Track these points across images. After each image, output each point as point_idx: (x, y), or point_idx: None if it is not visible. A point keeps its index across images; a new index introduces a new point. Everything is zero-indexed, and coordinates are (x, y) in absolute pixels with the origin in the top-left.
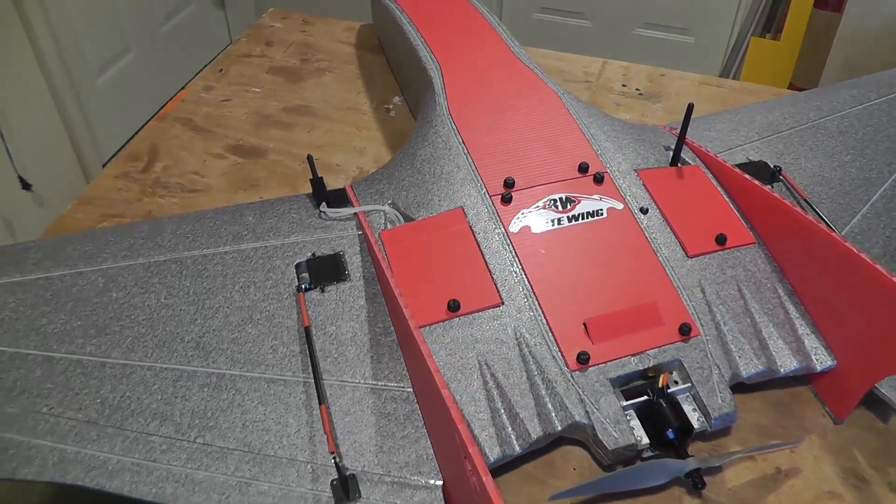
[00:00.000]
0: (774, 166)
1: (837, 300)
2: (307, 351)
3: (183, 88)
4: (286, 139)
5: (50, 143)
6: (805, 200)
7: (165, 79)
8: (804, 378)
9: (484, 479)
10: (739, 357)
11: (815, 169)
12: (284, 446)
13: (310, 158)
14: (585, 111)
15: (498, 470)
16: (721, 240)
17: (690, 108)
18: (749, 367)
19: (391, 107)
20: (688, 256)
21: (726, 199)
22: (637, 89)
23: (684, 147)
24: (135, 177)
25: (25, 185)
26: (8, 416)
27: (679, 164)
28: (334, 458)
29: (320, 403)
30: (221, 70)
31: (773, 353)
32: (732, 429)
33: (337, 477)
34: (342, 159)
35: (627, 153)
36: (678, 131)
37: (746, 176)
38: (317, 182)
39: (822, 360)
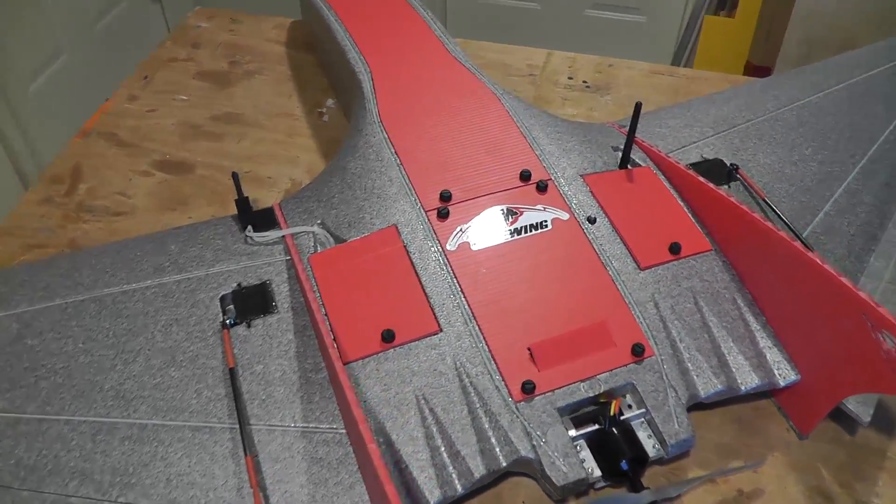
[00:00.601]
0: (731, 164)
1: (800, 311)
2: (233, 394)
3: (107, 100)
4: (215, 151)
5: None
6: (764, 200)
7: (104, 81)
8: (767, 393)
9: None
10: (697, 376)
11: (774, 164)
12: (211, 500)
13: (234, 176)
14: (527, 112)
15: None
16: (675, 249)
17: (638, 107)
18: (708, 386)
19: (324, 111)
20: (640, 269)
21: (680, 202)
22: (584, 81)
23: (634, 147)
24: (57, 201)
25: None
26: None
27: (629, 167)
28: None
29: (246, 455)
30: (146, 77)
31: (734, 371)
32: (692, 449)
33: None
34: (273, 171)
35: (573, 157)
36: (627, 130)
37: (700, 178)
38: (241, 202)
39: (784, 374)
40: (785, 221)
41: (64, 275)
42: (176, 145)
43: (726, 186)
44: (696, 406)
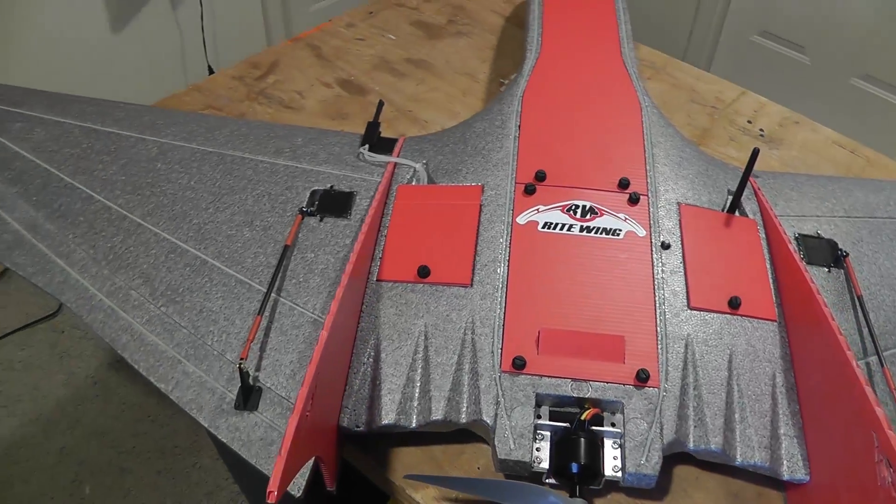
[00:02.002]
0: (841, 250)
1: (827, 414)
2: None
3: (329, 20)
4: (393, 86)
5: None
6: (858, 297)
7: None
8: (783, 484)
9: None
10: (695, 427)
11: (893, 270)
12: (221, 341)
13: (380, 103)
14: (662, 130)
15: (409, 437)
16: (734, 303)
17: (755, 153)
18: (700, 441)
19: (506, 81)
20: (688, 307)
21: (767, 265)
22: (761, 129)
23: (753, 198)
24: (248, 82)
25: (211, 72)
26: (46, 231)
27: (736, 213)
28: (240, 364)
29: (258, 314)
30: (372, 13)
31: (736, 439)
32: (667, 498)
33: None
34: (431, 117)
35: (681, 184)
36: (757, 181)
37: (791, 247)
38: (371, 125)
39: (793, 469)
40: (869, 326)
41: (209, 129)
42: (364, 71)
43: (826, 270)
44: (704, 464)
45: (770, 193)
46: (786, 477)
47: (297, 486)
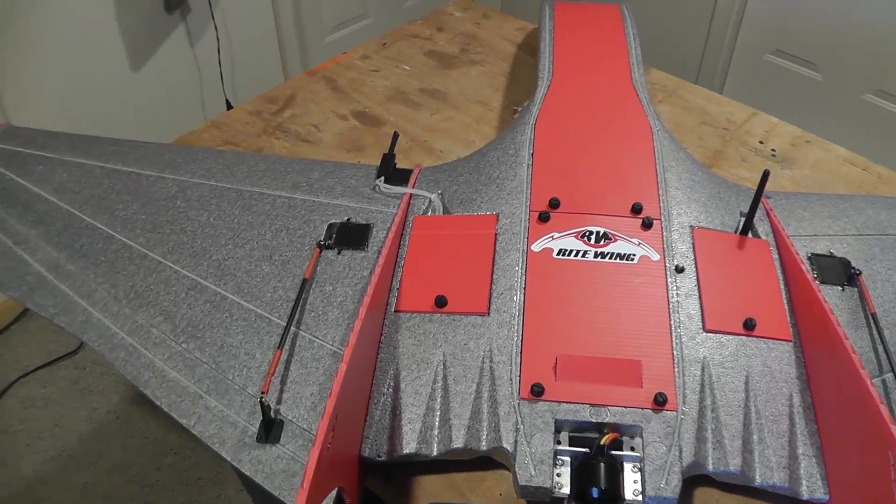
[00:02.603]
0: (854, 268)
1: (845, 433)
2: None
3: (344, 53)
4: (408, 116)
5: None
6: (872, 315)
7: None
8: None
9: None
10: (713, 449)
11: None
12: (242, 375)
13: (394, 135)
14: (674, 154)
15: (431, 465)
16: (749, 324)
17: (766, 175)
18: (719, 463)
19: (519, 109)
20: (703, 329)
21: (781, 286)
22: (773, 150)
23: (765, 219)
24: (265, 116)
25: (229, 107)
26: (67, 272)
27: (749, 235)
28: (261, 398)
29: (278, 348)
30: (385, 44)
31: (755, 460)
32: None
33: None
34: (446, 146)
35: (693, 207)
36: (769, 201)
37: (804, 268)
38: (387, 157)
39: (813, 489)
40: (884, 343)
41: (227, 165)
42: (379, 103)
43: (840, 289)
44: (724, 486)
45: (782, 214)
46: (805, 496)
47: None
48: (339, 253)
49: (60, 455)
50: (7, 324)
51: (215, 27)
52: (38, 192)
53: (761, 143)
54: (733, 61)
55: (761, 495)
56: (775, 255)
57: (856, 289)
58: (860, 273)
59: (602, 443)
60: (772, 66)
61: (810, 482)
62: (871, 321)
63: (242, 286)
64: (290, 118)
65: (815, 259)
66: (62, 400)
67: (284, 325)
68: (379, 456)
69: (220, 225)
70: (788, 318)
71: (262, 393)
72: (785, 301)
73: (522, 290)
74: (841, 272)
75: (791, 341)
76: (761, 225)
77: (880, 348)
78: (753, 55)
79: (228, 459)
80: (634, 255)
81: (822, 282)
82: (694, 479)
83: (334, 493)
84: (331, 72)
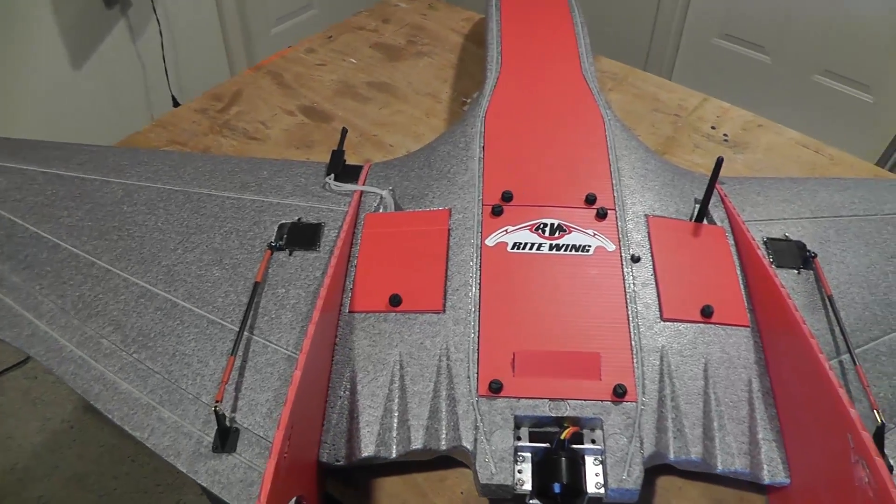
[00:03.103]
0: (809, 251)
1: (805, 417)
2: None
3: (289, 47)
4: (357, 111)
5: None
6: (829, 297)
7: None
8: (765, 488)
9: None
10: (674, 438)
11: (861, 268)
12: (196, 384)
13: (343, 131)
14: (626, 144)
15: (391, 467)
16: (707, 311)
17: (719, 162)
18: (680, 452)
19: (468, 101)
20: (661, 319)
21: (738, 272)
22: (725, 134)
23: (720, 205)
24: (211, 114)
25: (175, 104)
26: (11, 284)
27: (704, 222)
28: (216, 408)
29: (231, 355)
30: (331, 37)
31: (716, 448)
32: None
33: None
34: (397, 141)
35: (647, 196)
36: (723, 187)
37: (760, 253)
38: (336, 153)
39: (774, 473)
40: (840, 325)
41: (173, 167)
42: (327, 98)
43: (795, 272)
44: (687, 474)
45: (737, 199)
46: (767, 481)
47: None
48: (290, 254)
49: (14, 468)
50: None
51: (157, 21)
52: None
53: (713, 128)
54: (681, 46)
55: (724, 482)
56: (731, 241)
57: (811, 271)
58: (815, 256)
59: (562, 437)
60: (720, 49)
61: (771, 466)
62: (828, 303)
63: (193, 292)
64: (237, 115)
65: (770, 243)
66: (13, 411)
67: (237, 330)
68: (337, 461)
69: (169, 229)
70: (746, 304)
71: (217, 402)
72: (742, 287)
73: (478, 286)
74: (796, 255)
75: (749, 327)
76: (716, 211)
77: (837, 330)
78: (701, 39)
79: (184, 471)
80: (590, 246)
81: (777, 266)
82: (656, 469)
83: (293, 501)
84: (276, 66)
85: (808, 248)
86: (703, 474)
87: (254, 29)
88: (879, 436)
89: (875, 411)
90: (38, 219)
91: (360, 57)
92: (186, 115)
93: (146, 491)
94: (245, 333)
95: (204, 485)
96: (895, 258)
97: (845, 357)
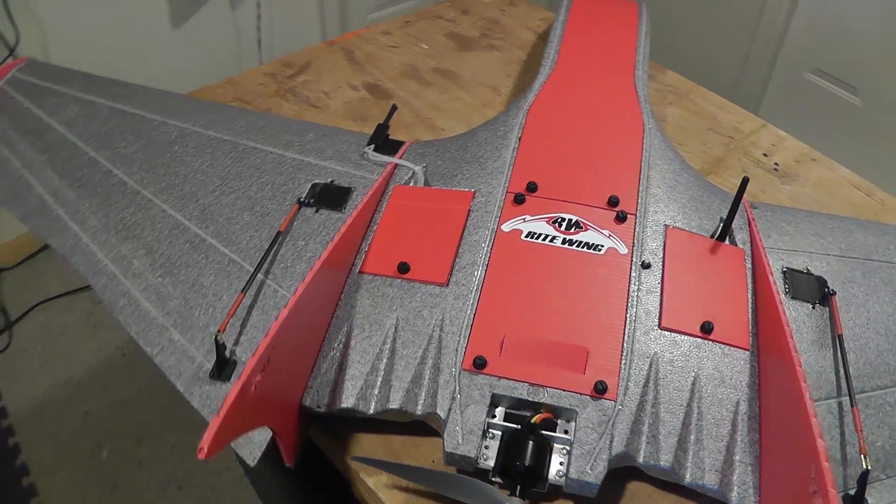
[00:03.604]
0: (829, 288)
1: (781, 444)
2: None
3: (367, 27)
4: (417, 93)
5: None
6: (839, 336)
7: None
8: None
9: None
10: (647, 443)
11: (882, 315)
12: (207, 314)
13: (392, 107)
14: (662, 153)
15: (372, 426)
16: (707, 328)
17: (744, 182)
18: (650, 457)
19: None
20: (659, 327)
21: (749, 295)
22: (776, 163)
23: (746, 228)
24: (279, 79)
25: None
26: (65, 198)
27: (726, 241)
28: (217, 337)
29: (241, 291)
30: (408, 22)
31: (688, 460)
32: None
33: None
34: (450, 126)
35: (672, 207)
36: (754, 211)
37: (772, 279)
38: (380, 127)
39: (743, 496)
40: (845, 365)
41: (228, 119)
42: (391, 78)
43: (810, 306)
44: (660, 484)
45: (764, 225)
46: (734, 502)
47: (253, 457)
48: (316, 211)
49: (69, 381)
50: (33, 252)
51: None
52: (50, 122)
53: (765, 155)
54: (773, 78)
55: (694, 497)
56: (748, 265)
57: (827, 308)
58: (834, 293)
59: (533, 420)
60: (810, 85)
61: (742, 489)
62: (837, 342)
63: (221, 231)
64: (303, 83)
65: (789, 273)
66: (77, 330)
67: (252, 270)
68: (319, 407)
69: (211, 173)
70: (750, 328)
71: (219, 332)
72: (750, 311)
73: (485, 267)
74: (814, 290)
75: (749, 350)
76: (740, 233)
77: (842, 370)
78: (793, 73)
79: (181, 391)
80: (602, 245)
81: (792, 297)
82: (630, 474)
83: (269, 435)
84: (350, 44)
85: (829, 285)
86: (676, 487)
87: (351, 11)
88: (863, 481)
89: (863, 456)
90: (98, 146)
91: (431, 43)
92: (256, 77)
93: (179, 427)
94: (259, 276)
95: (195, 407)
96: None
97: (845, 399)
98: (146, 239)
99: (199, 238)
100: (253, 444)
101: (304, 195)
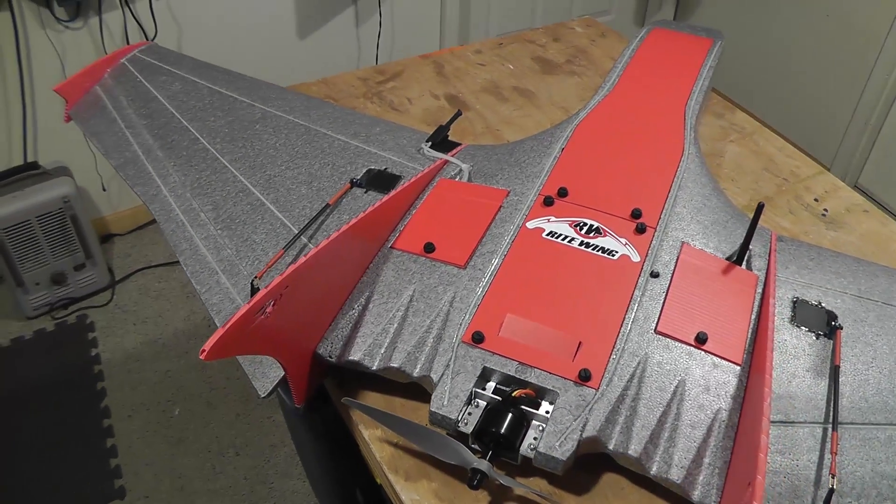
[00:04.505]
0: (837, 322)
1: (741, 454)
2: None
3: (461, 45)
4: (492, 107)
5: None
6: (836, 366)
7: None
8: None
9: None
10: (620, 432)
11: (889, 358)
12: (252, 266)
13: (457, 112)
14: (696, 178)
15: (376, 386)
16: (701, 338)
17: (760, 207)
18: (620, 445)
19: None
20: (655, 331)
21: (752, 318)
22: (825, 209)
23: (765, 256)
24: (370, 84)
25: None
26: (155, 156)
27: (742, 265)
28: (253, 281)
29: (282, 248)
30: (501, 44)
31: (657, 453)
32: (586, 496)
33: None
34: (515, 139)
35: (693, 227)
36: (779, 243)
37: (772, 303)
38: (441, 128)
39: (706, 496)
40: (836, 397)
41: (309, 107)
42: (472, 92)
43: (814, 336)
44: (634, 478)
45: (785, 257)
46: (695, 500)
47: (264, 389)
48: (366, 192)
49: (156, 341)
50: (143, 224)
51: (380, 14)
52: (156, 94)
53: (816, 200)
54: (875, 146)
55: (666, 495)
56: (759, 290)
57: (831, 341)
58: (840, 328)
59: (514, 394)
60: None
61: (705, 489)
62: (834, 373)
63: (280, 199)
64: (391, 89)
65: (799, 303)
66: (171, 297)
67: (296, 233)
68: (330, 357)
69: (282, 149)
70: (745, 346)
71: (256, 278)
72: (749, 331)
73: (503, 257)
74: (822, 321)
75: (740, 366)
76: (758, 261)
77: (830, 397)
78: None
79: (217, 325)
80: (616, 251)
81: (798, 325)
82: (606, 463)
83: (281, 374)
84: (443, 58)
85: (839, 320)
86: (649, 483)
87: (471, 40)
88: (828, 500)
89: (831, 476)
90: (191, 117)
91: (517, 64)
92: (349, 79)
93: (247, 399)
94: (303, 239)
95: None
96: None
97: (828, 427)
98: (215, 197)
99: (259, 202)
100: (266, 379)
101: (357, 177)
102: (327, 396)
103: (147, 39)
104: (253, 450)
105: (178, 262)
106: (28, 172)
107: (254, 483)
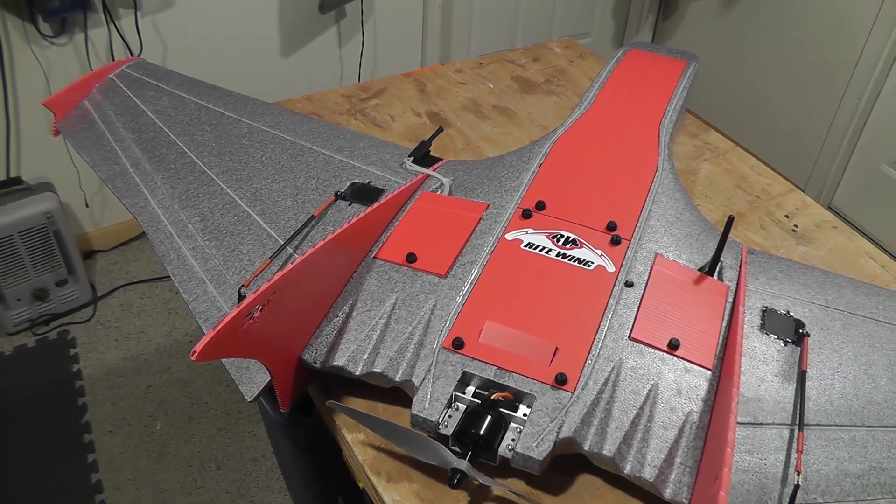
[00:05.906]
0: (804, 330)
1: (710, 451)
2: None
3: (443, 64)
4: (473, 125)
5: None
6: (803, 371)
7: None
8: None
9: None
10: (595, 434)
11: (854, 364)
12: (238, 275)
13: (438, 129)
14: (670, 193)
15: (360, 391)
16: (674, 344)
17: (730, 220)
18: (595, 446)
19: None
20: (629, 337)
21: (722, 325)
22: (795, 225)
23: (736, 268)
24: (353, 101)
25: None
26: (143, 168)
27: (714, 276)
28: (240, 289)
29: (269, 258)
30: (482, 63)
31: (630, 453)
32: (562, 496)
33: None
34: (495, 155)
35: (666, 239)
36: (750, 256)
37: (742, 311)
38: (422, 143)
39: (677, 493)
40: (802, 401)
41: (294, 122)
42: (453, 109)
43: (782, 343)
44: (609, 478)
45: (755, 269)
46: (667, 497)
47: (250, 393)
48: (349, 204)
49: (138, 357)
50: (128, 239)
51: (362, 34)
52: (144, 108)
53: (787, 216)
54: (848, 168)
55: (641, 495)
56: (730, 299)
57: (798, 348)
58: (808, 335)
59: (493, 398)
60: (887, 178)
61: (676, 486)
62: (801, 378)
63: (266, 211)
64: (374, 106)
65: (768, 312)
66: (153, 313)
67: (282, 243)
68: (315, 362)
69: (268, 163)
70: (716, 352)
71: (243, 286)
72: (720, 337)
73: (482, 267)
74: (790, 329)
75: (711, 371)
76: (729, 272)
77: (798, 401)
78: (869, 165)
79: (204, 331)
80: (592, 262)
81: (767, 332)
82: (581, 465)
83: (267, 379)
84: (425, 77)
85: (806, 328)
86: (624, 484)
87: (452, 60)
88: (793, 496)
89: (797, 473)
90: (179, 131)
91: (498, 84)
92: (333, 96)
93: (228, 413)
94: (288, 249)
95: None
96: (891, 367)
97: (795, 428)
98: (202, 209)
99: (246, 214)
100: (252, 384)
101: (342, 190)
102: (310, 408)
103: (132, 56)
104: (234, 464)
105: (160, 278)
106: (11, 188)
107: (235, 497)
